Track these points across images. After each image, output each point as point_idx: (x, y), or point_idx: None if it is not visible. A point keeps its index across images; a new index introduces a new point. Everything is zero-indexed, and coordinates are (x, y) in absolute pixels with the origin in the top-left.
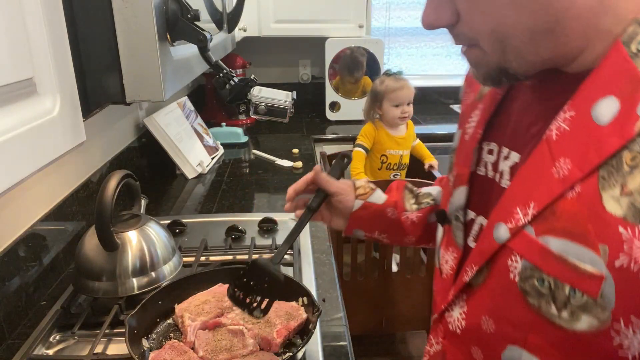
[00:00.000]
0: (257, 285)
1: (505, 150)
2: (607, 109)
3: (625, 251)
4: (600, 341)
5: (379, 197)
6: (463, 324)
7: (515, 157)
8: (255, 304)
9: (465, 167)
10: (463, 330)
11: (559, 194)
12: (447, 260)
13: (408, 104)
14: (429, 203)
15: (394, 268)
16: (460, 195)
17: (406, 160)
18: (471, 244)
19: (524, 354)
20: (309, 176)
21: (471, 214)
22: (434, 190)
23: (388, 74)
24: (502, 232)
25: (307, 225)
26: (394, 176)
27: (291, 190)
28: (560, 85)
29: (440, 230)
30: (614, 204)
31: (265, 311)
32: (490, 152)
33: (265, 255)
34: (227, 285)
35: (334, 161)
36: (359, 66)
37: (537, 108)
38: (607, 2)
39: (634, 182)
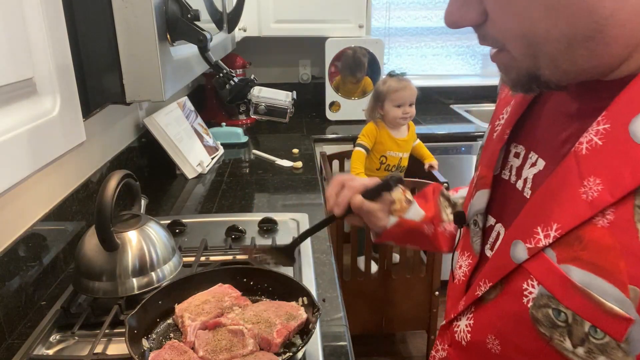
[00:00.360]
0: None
1: (533, 156)
2: None
3: None
4: None
5: (415, 213)
6: (468, 337)
7: (541, 164)
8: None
9: (489, 169)
10: (468, 342)
11: (586, 219)
12: (460, 265)
13: (410, 105)
14: None
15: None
16: (481, 198)
17: (405, 163)
18: (488, 252)
19: None
20: (342, 193)
21: (491, 220)
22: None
23: (391, 74)
24: (520, 251)
25: (307, 225)
26: None
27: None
28: (598, 89)
29: (458, 232)
30: None
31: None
32: (517, 155)
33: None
34: (227, 285)
35: (380, 181)
36: (361, 66)
37: (569, 112)
38: None
39: None
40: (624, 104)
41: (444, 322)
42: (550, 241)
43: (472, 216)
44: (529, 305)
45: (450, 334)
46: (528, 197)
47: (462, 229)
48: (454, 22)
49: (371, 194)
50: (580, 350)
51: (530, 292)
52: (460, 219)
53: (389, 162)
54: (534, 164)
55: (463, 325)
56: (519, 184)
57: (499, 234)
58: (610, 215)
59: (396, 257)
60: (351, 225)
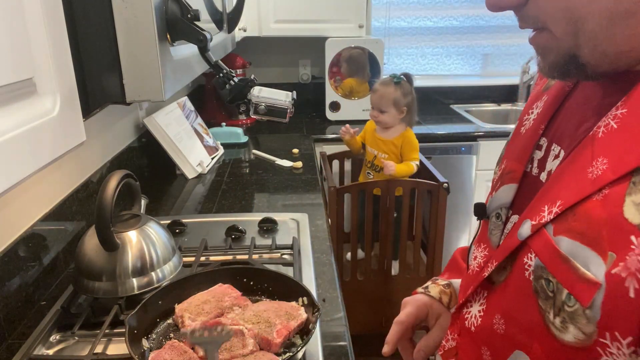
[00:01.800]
0: None
1: (556, 148)
2: None
3: (626, 260)
4: (585, 356)
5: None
6: (478, 322)
7: (562, 155)
8: None
9: (520, 163)
10: (477, 327)
11: (587, 195)
12: (476, 256)
13: (381, 111)
14: None
15: (394, 272)
16: (507, 193)
17: (379, 163)
18: None
19: None
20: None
21: (510, 214)
22: None
23: (391, 76)
24: (525, 228)
25: (307, 225)
26: (367, 174)
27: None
28: (624, 81)
29: (477, 225)
30: (633, 210)
31: None
32: (539, 147)
33: (265, 256)
34: (227, 285)
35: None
36: (366, 65)
37: (593, 104)
38: None
39: None
40: None
41: (453, 311)
42: (552, 217)
43: (495, 209)
44: (531, 279)
45: (461, 321)
46: None
47: (481, 222)
48: (495, 4)
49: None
50: (557, 320)
51: (530, 266)
52: (480, 211)
53: (366, 156)
54: (557, 156)
55: (475, 311)
56: (543, 176)
57: (514, 225)
58: (606, 190)
59: (396, 268)
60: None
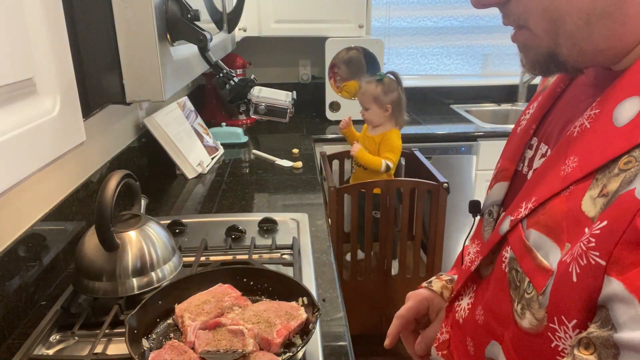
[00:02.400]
0: None
1: (543, 147)
2: (628, 110)
3: (575, 249)
4: (540, 343)
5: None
6: (466, 314)
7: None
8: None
9: (512, 162)
10: (464, 320)
11: (556, 191)
12: (469, 252)
13: (365, 109)
14: None
15: (393, 272)
16: (499, 190)
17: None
18: None
19: (500, 352)
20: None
21: (501, 211)
22: None
23: (378, 73)
24: (505, 224)
25: (307, 225)
26: (351, 168)
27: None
28: (609, 81)
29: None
30: (590, 204)
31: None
32: (530, 147)
33: (265, 256)
34: (227, 285)
35: None
36: (364, 67)
37: (579, 105)
38: None
39: (614, 184)
40: (615, 90)
41: (446, 304)
42: (527, 212)
43: (488, 207)
44: (505, 271)
45: (452, 314)
46: None
47: (476, 219)
48: (479, 2)
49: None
50: (518, 307)
51: (506, 258)
52: (474, 208)
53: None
54: (543, 155)
55: (464, 304)
56: (529, 175)
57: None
58: (573, 186)
59: (396, 268)
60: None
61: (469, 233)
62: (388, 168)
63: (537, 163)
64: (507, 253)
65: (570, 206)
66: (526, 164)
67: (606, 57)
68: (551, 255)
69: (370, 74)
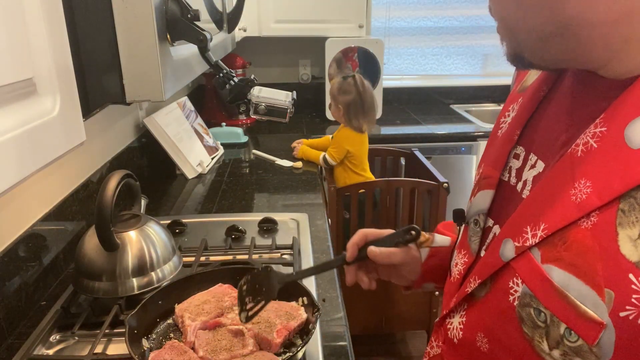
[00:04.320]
0: (255, 288)
1: (532, 158)
2: None
3: (634, 303)
4: None
5: (442, 240)
6: (460, 335)
7: (540, 166)
8: (247, 307)
9: (496, 170)
10: (459, 340)
11: (573, 220)
12: (456, 263)
13: (329, 104)
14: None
15: None
16: (484, 199)
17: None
18: (483, 252)
19: None
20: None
21: (489, 222)
22: None
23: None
24: (508, 249)
25: (307, 225)
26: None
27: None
28: (600, 90)
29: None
30: (630, 246)
31: (249, 318)
32: (517, 156)
33: (265, 255)
34: (227, 285)
35: (396, 231)
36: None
37: (571, 114)
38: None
39: None
40: (622, 106)
41: (437, 319)
42: (537, 241)
43: (473, 215)
44: (515, 304)
45: (444, 331)
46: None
47: (462, 228)
48: None
49: (386, 242)
50: (556, 353)
51: (516, 291)
52: (459, 217)
53: None
54: (533, 166)
55: (456, 323)
56: (519, 186)
57: (495, 235)
58: (594, 217)
59: None
60: (366, 287)
61: (456, 241)
62: (326, 162)
63: (526, 174)
64: (519, 287)
65: (603, 245)
66: (513, 174)
67: (574, 65)
68: (588, 302)
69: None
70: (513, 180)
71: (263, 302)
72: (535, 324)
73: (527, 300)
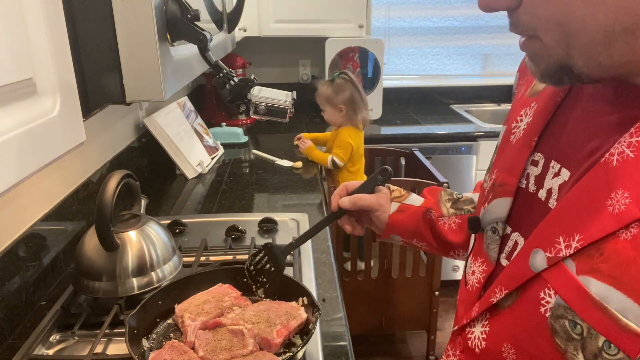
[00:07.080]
0: (263, 266)
1: (555, 166)
2: None
3: None
4: None
5: (415, 199)
6: (483, 345)
7: (565, 174)
8: (261, 281)
9: (513, 177)
10: (482, 350)
11: (611, 232)
12: (474, 271)
13: (323, 111)
14: (470, 211)
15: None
16: (502, 206)
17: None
18: (503, 261)
19: None
20: (340, 194)
21: (507, 229)
22: (475, 196)
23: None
24: (539, 260)
25: (307, 226)
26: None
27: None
28: (632, 96)
29: (472, 238)
30: None
31: (267, 291)
32: (535, 163)
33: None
34: (227, 285)
35: (372, 175)
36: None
37: (599, 121)
38: None
39: None
40: None
41: (455, 328)
42: (572, 252)
43: (491, 223)
44: (547, 315)
45: (463, 340)
46: (553, 208)
47: (476, 235)
48: (487, 6)
49: (363, 189)
50: None
51: (547, 302)
52: (475, 224)
53: None
54: (557, 174)
55: (478, 332)
56: (541, 194)
57: (516, 243)
58: (634, 229)
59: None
60: (349, 232)
61: (470, 249)
62: (335, 164)
63: (550, 182)
64: (551, 298)
65: None
66: (532, 181)
67: (627, 68)
68: (631, 315)
69: (373, 75)
70: (532, 187)
71: (276, 273)
72: (569, 336)
73: (561, 312)
